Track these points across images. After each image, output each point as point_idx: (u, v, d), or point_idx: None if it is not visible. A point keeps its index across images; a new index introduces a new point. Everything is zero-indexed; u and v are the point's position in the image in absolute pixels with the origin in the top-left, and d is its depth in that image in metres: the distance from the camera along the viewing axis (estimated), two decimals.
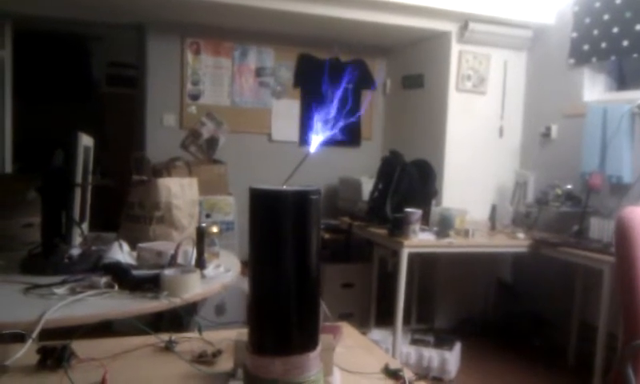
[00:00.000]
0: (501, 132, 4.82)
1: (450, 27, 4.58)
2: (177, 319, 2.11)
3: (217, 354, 1.34)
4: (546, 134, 4.55)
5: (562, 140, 4.45)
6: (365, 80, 5.41)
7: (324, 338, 1.11)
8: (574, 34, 4.27)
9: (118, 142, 5.95)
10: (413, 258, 3.61)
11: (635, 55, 3.89)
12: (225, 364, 1.30)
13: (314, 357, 1.01)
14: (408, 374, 1.27)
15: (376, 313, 4.52)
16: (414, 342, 3.91)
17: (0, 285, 1.85)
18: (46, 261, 2.00)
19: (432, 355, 3.77)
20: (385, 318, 4.31)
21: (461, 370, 3.89)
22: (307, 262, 0.99)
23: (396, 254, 3.73)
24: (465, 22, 4.49)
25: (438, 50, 4.79)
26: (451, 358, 3.75)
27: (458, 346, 3.91)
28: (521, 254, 4.06)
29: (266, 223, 1.00)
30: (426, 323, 4.70)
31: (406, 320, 3.99)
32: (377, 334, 4.02)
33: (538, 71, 4.75)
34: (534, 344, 4.40)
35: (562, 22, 4.44)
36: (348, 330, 1.61)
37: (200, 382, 1.23)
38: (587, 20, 4.16)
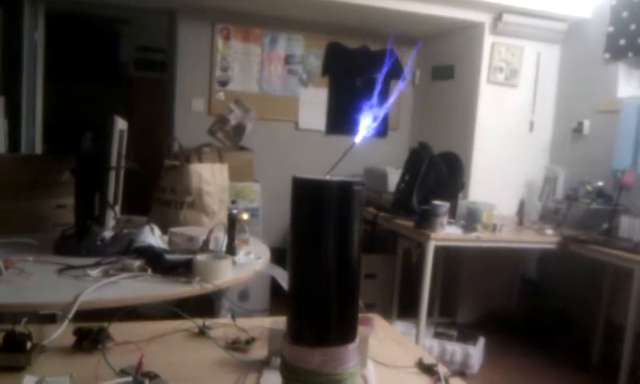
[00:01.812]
0: (531, 126, 4.76)
1: (484, 18, 4.52)
2: (204, 303, 2.12)
3: (250, 341, 1.34)
4: (578, 130, 4.48)
5: (594, 136, 4.38)
6: (394, 70, 5.37)
7: (359, 330, 1.11)
8: (611, 29, 4.18)
9: (144, 126, 5.98)
10: (437, 250, 3.59)
11: None
12: (258, 352, 1.30)
13: (352, 349, 1.00)
14: (443, 370, 1.26)
15: (398, 304, 4.51)
16: (437, 335, 3.90)
17: (34, 265, 1.87)
18: (79, 242, 2.02)
19: (455, 349, 3.76)
20: (407, 310, 4.30)
21: (483, 365, 3.87)
22: (349, 253, 0.98)
23: (420, 246, 3.71)
24: (499, 13, 4.43)
25: (469, 41, 4.73)
26: (475, 353, 3.73)
27: (481, 341, 3.88)
28: (548, 250, 4.01)
29: (308, 213, 0.98)
30: (449, 317, 4.68)
31: (429, 313, 3.97)
32: (400, 326, 4.01)
33: (571, 65, 4.67)
34: (557, 342, 4.35)
35: (598, 16, 4.36)
36: (379, 322, 1.61)
37: (234, 369, 1.23)
38: (625, 14, 4.07)
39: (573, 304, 4.38)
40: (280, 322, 1.27)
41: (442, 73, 5.11)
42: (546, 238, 3.84)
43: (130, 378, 1.11)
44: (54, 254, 2.01)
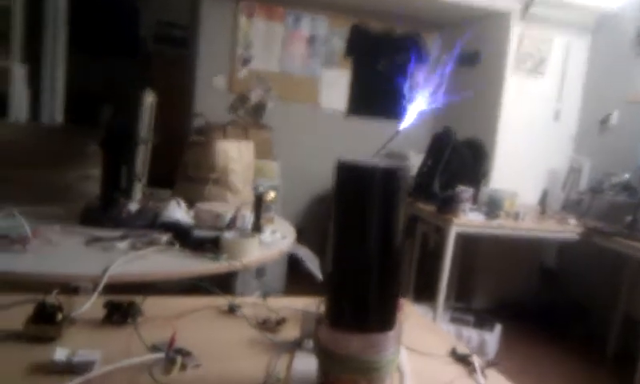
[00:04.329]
0: (557, 115, 4.68)
1: (513, 6, 4.43)
2: (221, 280, 2.11)
3: (281, 322, 1.33)
4: (605, 121, 4.40)
5: (622, 128, 4.30)
6: (419, 55, 5.30)
7: None
8: None
9: (161, 101, 5.94)
10: (456, 235, 3.56)
11: None
12: (289, 332, 1.29)
13: (392, 336, 0.99)
14: (478, 360, 1.24)
15: (414, 288, 4.49)
16: (454, 320, 3.88)
17: (61, 235, 1.86)
18: (104, 214, 2.02)
19: (471, 335, 3.74)
20: (422, 293, 4.28)
21: (498, 353, 3.84)
22: (391, 239, 0.96)
23: (439, 231, 3.68)
24: (528, 1, 4.33)
25: (497, 29, 4.64)
26: (491, 340, 3.71)
27: (498, 328, 3.86)
28: (569, 240, 3.96)
29: (352, 198, 0.96)
30: (464, 302, 4.65)
31: (445, 297, 3.95)
32: (416, 309, 3.99)
33: (601, 56, 4.58)
34: (574, 333, 4.32)
35: (629, 8, 4.26)
36: (409, 308, 1.59)
37: (266, 349, 1.21)
38: None
39: (591, 296, 4.34)
40: (311, 304, 1.25)
41: (468, 59, 5.03)
42: (569, 228, 3.79)
43: (162, 354, 1.10)
44: (79, 225, 2.00)
